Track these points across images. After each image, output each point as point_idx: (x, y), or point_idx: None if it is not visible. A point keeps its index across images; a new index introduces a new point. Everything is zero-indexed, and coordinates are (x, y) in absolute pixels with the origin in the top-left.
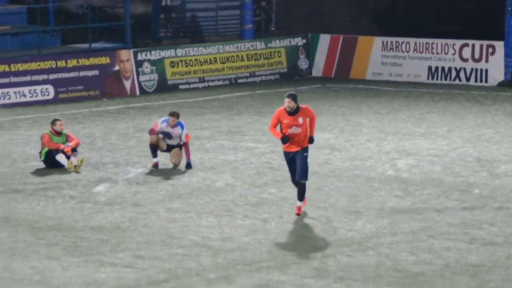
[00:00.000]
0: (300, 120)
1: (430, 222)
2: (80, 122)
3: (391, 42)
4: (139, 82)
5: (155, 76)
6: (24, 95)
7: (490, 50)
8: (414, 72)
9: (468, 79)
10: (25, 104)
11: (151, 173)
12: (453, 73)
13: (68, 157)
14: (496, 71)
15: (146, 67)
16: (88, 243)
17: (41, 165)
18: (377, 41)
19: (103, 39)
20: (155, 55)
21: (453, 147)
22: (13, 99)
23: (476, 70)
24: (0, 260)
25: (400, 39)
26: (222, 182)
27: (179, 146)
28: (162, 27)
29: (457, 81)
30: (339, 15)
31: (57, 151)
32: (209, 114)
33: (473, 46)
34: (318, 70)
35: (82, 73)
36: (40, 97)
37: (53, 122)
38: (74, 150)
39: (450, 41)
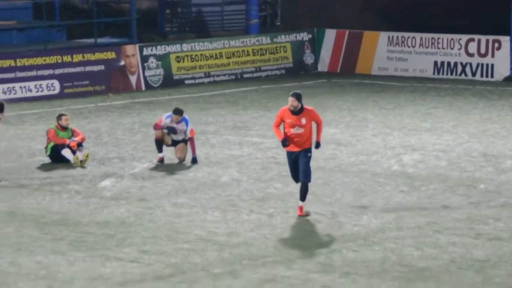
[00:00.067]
0: (303, 120)
1: (436, 217)
2: (86, 117)
3: (397, 37)
4: (144, 77)
5: (160, 71)
6: (30, 90)
7: (496, 45)
8: (420, 67)
9: (474, 74)
10: (31, 99)
11: (156, 168)
12: (459, 68)
13: (74, 152)
14: (502, 66)
15: (152, 62)
16: (93, 238)
17: (47, 160)
18: (383, 36)
19: (108, 34)
20: (160, 50)
21: (459, 142)
22: (19, 94)
23: (482, 65)
24: (6, 255)
25: (406, 34)
26: (227, 177)
27: (184, 141)
28: (167, 22)
29: (463, 76)
30: (345, 10)
31: (63, 146)
32: (215, 109)
33: (479, 41)
34: (323, 65)
35: (88, 68)
36: (46, 92)
37: (59, 117)
38: (79, 145)
39: (456, 36)
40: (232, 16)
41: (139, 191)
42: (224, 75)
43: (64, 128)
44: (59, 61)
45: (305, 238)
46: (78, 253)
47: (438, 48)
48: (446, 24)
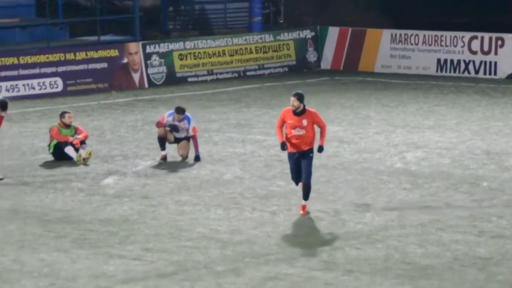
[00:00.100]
0: (305, 122)
1: (439, 215)
2: (88, 114)
3: (400, 34)
4: (147, 75)
5: (163, 68)
6: (33, 88)
7: (499, 42)
8: (423, 65)
9: (477, 72)
10: (34, 97)
11: (159, 165)
12: (462, 66)
13: (76, 150)
14: (505, 64)
15: (155, 60)
16: (97, 235)
17: (50, 157)
18: (386, 33)
19: (111, 32)
20: (163, 47)
21: (462, 139)
22: (22, 92)
23: (485, 62)
24: (9, 253)
25: (409, 32)
26: (230, 175)
27: (187, 138)
28: (170, 19)
29: (466, 74)
30: (348, 8)
31: (66, 143)
32: (218, 106)
33: (482, 38)
34: (326, 62)
35: (91, 66)
36: (48, 90)
37: (62, 114)
38: (82, 142)
39: (459, 34)
40: (235, 13)
41: (142, 188)
42: (227, 72)
43: (67, 126)
44: (62, 58)
45: (308, 236)
46: (81, 251)
47: (441, 45)
48: (449, 22)
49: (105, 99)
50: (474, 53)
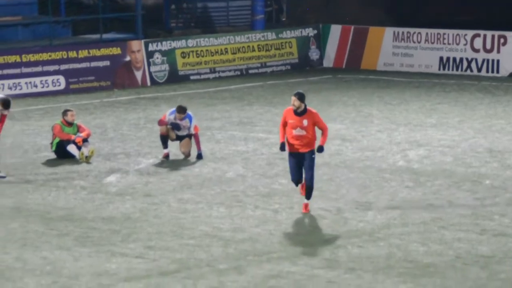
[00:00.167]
0: (305, 122)
1: (441, 213)
2: (91, 112)
3: (402, 32)
4: (150, 73)
5: (166, 66)
6: (36, 86)
7: (502, 40)
8: (425, 63)
9: (479, 70)
10: (37, 95)
11: (162, 163)
12: (465, 64)
13: (79, 148)
14: (507, 62)
15: (157, 58)
16: (99, 233)
17: (52, 155)
18: (388, 31)
19: (114, 30)
20: (166, 45)
21: (465, 138)
22: (25, 90)
23: (488, 60)
24: (12, 251)
25: (412, 30)
26: (233, 173)
27: (189, 135)
28: (173, 17)
29: (468, 72)
30: (350, 5)
31: (68, 141)
32: (220, 104)
33: (485, 36)
34: (329, 60)
35: (93, 64)
36: (51, 88)
37: (64, 112)
38: (85, 140)
39: (461, 32)
40: (238, 11)
41: (145, 186)
42: (230, 70)
43: (70, 124)
44: (65, 56)
45: (310, 234)
46: (84, 249)
47: (443, 43)
48: (452, 20)
49: (107, 97)
50: (477, 51)
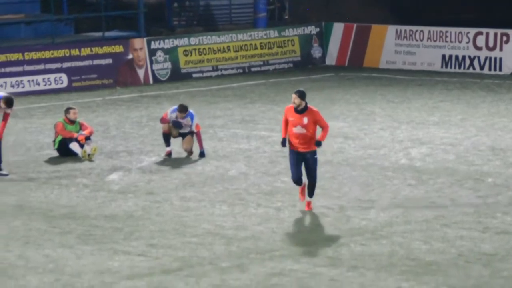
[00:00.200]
0: (305, 120)
1: (444, 211)
2: (93, 110)
3: (405, 30)
4: (152, 71)
5: (168, 64)
6: (38, 84)
7: (505, 38)
8: (428, 61)
9: (482, 68)
10: (39, 93)
11: (164, 161)
12: (467, 62)
13: (81, 146)
14: (510, 60)
15: (160, 56)
16: (101, 231)
17: (55, 153)
18: (391, 29)
19: (116, 28)
20: (168, 43)
21: (467, 135)
22: (27, 88)
23: (490, 58)
24: (14, 248)
25: (414, 28)
26: (235, 171)
27: (191, 133)
28: (175, 15)
29: (471, 70)
30: (353, 4)
31: (71, 139)
32: (223, 102)
33: (487, 34)
34: (331, 58)
35: (96, 62)
36: (53, 86)
37: (67, 110)
38: (87, 138)
39: (464, 30)
40: (240, 9)
41: (147, 184)
42: (232, 68)
43: (72, 122)
44: (67, 54)
45: (313, 232)
46: (86, 247)
47: (446, 41)
48: (454, 18)
49: (110, 95)
50: (479, 49)
